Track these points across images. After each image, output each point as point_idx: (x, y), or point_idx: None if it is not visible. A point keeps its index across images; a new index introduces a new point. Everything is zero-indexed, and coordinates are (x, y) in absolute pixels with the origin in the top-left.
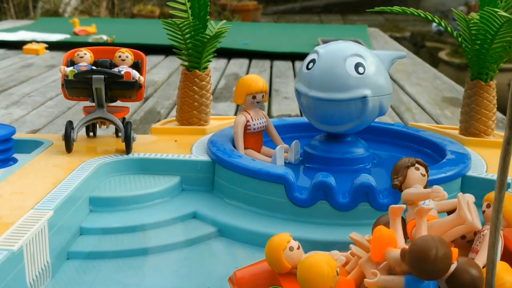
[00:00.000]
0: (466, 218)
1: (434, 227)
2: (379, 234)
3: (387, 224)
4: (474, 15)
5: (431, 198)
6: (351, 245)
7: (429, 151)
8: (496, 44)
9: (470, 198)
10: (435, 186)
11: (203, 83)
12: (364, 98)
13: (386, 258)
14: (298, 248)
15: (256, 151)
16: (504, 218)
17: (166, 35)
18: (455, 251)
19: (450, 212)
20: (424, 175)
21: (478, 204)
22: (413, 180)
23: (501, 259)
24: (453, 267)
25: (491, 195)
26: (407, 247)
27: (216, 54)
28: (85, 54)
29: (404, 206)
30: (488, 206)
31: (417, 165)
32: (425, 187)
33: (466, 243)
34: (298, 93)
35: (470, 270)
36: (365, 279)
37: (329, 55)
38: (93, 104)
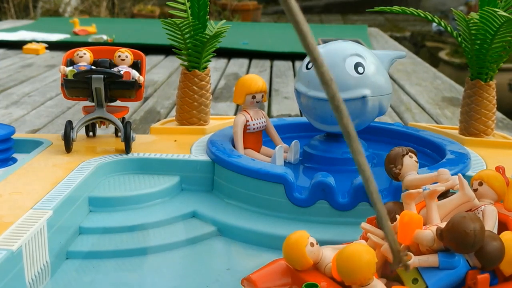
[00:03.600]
0: (470, 196)
1: (444, 207)
2: (408, 219)
3: (391, 212)
4: (474, 15)
5: (439, 181)
6: (368, 234)
7: (429, 151)
8: (496, 44)
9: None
10: (441, 169)
11: (203, 83)
12: (363, 98)
13: (417, 239)
14: (317, 243)
15: (256, 151)
16: (496, 193)
17: (166, 35)
18: None
19: (441, 195)
20: (417, 162)
21: None
22: (409, 167)
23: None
24: None
25: (482, 172)
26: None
27: (216, 54)
28: (84, 54)
29: (421, 190)
30: (480, 184)
31: (410, 153)
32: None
33: None
34: (298, 93)
35: (494, 242)
36: (395, 266)
37: (329, 55)
38: (93, 104)
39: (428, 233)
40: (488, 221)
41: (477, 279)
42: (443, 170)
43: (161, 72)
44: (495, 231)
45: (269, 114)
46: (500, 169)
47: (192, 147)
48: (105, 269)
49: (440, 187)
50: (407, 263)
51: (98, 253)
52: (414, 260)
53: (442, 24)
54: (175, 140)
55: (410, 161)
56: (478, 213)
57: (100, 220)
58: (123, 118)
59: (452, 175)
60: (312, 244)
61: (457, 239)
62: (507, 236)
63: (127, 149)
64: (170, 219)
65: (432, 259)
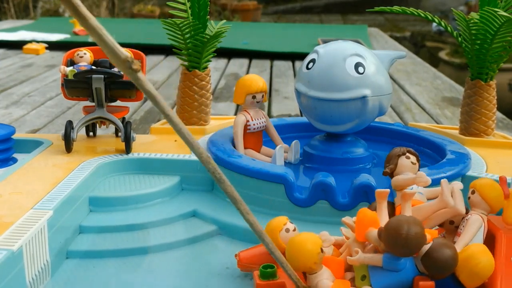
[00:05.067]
0: (448, 201)
1: (419, 210)
2: (362, 216)
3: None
4: (474, 15)
5: (416, 184)
6: (341, 228)
7: (429, 151)
8: (496, 44)
9: (457, 185)
10: (419, 172)
11: (203, 83)
12: (363, 98)
13: (367, 238)
14: (294, 230)
15: (256, 151)
16: (488, 204)
17: (166, 35)
18: (432, 232)
19: None
20: (414, 164)
21: None
22: (404, 167)
23: (485, 243)
24: (426, 247)
25: (477, 181)
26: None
27: (216, 54)
28: (85, 54)
29: (388, 190)
30: (473, 192)
31: (408, 154)
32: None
33: (455, 228)
34: (298, 93)
35: (444, 250)
36: (347, 257)
37: (329, 55)
38: (93, 104)
39: (374, 232)
40: (468, 231)
41: (419, 285)
42: (420, 174)
43: (161, 72)
44: (477, 241)
45: (269, 114)
46: (502, 179)
47: None
48: (105, 268)
49: (411, 191)
50: None
51: (98, 253)
52: (360, 256)
53: (442, 24)
54: (175, 140)
55: (405, 162)
56: (463, 222)
57: (100, 220)
58: (123, 118)
59: (452, 174)
60: (287, 230)
61: (389, 239)
62: (472, 248)
63: (127, 149)
64: (170, 219)
65: (376, 258)
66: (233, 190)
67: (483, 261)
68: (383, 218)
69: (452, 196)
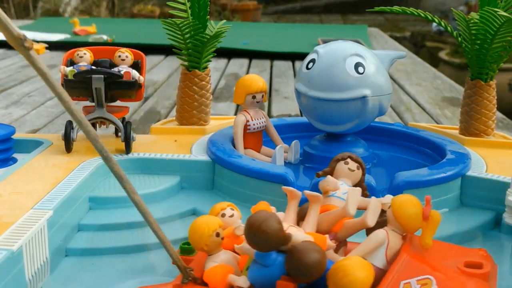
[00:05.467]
0: (349, 213)
1: (326, 215)
2: (252, 211)
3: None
4: (474, 15)
5: (319, 187)
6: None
7: (429, 151)
8: (496, 44)
9: (385, 199)
10: (328, 176)
11: (203, 83)
12: (363, 98)
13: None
14: (232, 216)
15: (256, 151)
16: (398, 223)
17: (166, 35)
18: (320, 238)
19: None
20: (352, 170)
21: (480, 206)
22: (340, 173)
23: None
24: (296, 248)
25: (397, 197)
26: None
27: (216, 54)
28: (84, 54)
29: (318, 194)
30: (389, 207)
31: (348, 159)
32: (360, 182)
33: None
34: (298, 93)
35: (308, 253)
36: (235, 245)
37: (329, 55)
38: (93, 104)
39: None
40: (363, 245)
41: (277, 283)
42: (328, 179)
43: (161, 72)
44: (378, 258)
45: (269, 114)
46: (427, 199)
47: (192, 147)
48: (104, 266)
49: (314, 194)
50: (195, 277)
51: (97, 250)
52: (243, 246)
53: (442, 24)
54: (175, 140)
55: (342, 167)
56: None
57: (99, 217)
58: (123, 118)
59: (452, 174)
60: (223, 215)
61: (245, 231)
62: (347, 260)
63: (127, 149)
64: (170, 217)
65: (251, 251)
66: (120, 169)
67: (351, 275)
68: (287, 218)
69: (369, 207)
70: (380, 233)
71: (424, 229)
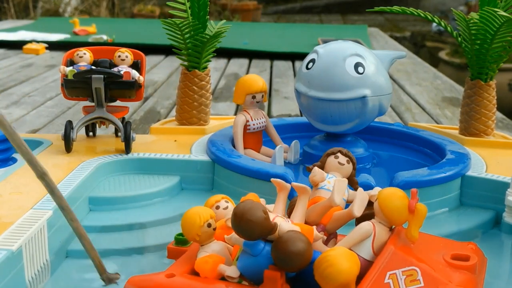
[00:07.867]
0: (336, 203)
1: (315, 207)
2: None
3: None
4: (474, 15)
5: (309, 180)
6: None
7: (429, 151)
8: (496, 44)
9: (373, 192)
10: (314, 168)
11: (203, 83)
12: (363, 98)
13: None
14: (226, 208)
15: (256, 151)
16: (384, 215)
17: (166, 35)
18: (307, 229)
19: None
20: (342, 164)
21: (479, 206)
22: (330, 167)
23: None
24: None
25: (383, 190)
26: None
27: (216, 54)
28: (84, 54)
29: (306, 186)
30: (376, 199)
31: (338, 154)
32: (350, 176)
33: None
34: (298, 93)
35: (293, 243)
36: (225, 235)
37: (329, 55)
38: (93, 104)
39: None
40: (349, 236)
41: (264, 272)
42: (315, 170)
43: (161, 72)
44: (364, 250)
45: (269, 114)
46: (413, 192)
47: (192, 147)
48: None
49: (301, 185)
50: (113, 280)
51: (98, 252)
52: (232, 236)
53: (442, 24)
54: (175, 140)
55: (332, 161)
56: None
57: (99, 219)
58: (123, 118)
59: (452, 174)
60: (218, 207)
61: (231, 220)
62: (331, 251)
63: (127, 149)
64: (170, 218)
65: (240, 241)
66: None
67: (335, 265)
68: (276, 208)
69: (355, 198)
70: (365, 224)
71: (410, 222)
